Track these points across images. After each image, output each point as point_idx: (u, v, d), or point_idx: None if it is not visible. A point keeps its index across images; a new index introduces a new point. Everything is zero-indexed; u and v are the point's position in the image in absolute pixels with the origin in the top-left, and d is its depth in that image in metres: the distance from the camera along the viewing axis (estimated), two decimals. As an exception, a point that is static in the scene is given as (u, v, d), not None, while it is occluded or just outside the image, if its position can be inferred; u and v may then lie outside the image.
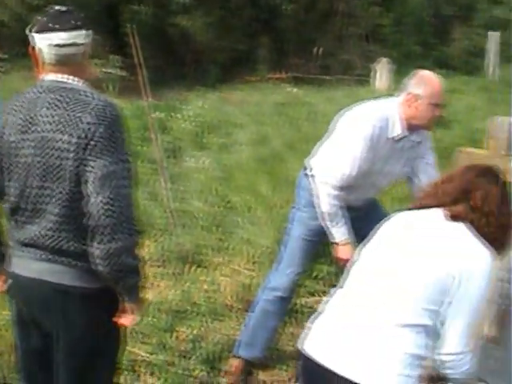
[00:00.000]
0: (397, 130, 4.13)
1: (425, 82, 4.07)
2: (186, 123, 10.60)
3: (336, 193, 4.15)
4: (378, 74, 15.61)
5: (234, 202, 7.37)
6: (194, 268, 6.19)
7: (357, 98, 11.44)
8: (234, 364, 4.66)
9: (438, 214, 2.92)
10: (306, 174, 4.41)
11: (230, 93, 14.95)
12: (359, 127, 4.08)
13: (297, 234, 4.49)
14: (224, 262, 6.21)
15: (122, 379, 4.44)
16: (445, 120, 9.93)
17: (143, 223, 6.74)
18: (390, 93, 12.92)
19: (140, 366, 4.65)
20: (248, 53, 19.02)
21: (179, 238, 6.59)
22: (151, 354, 4.79)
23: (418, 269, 2.78)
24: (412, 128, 4.16)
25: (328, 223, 4.27)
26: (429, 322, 2.72)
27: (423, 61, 15.64)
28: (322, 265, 5.72)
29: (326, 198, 4.17)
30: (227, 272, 6.02)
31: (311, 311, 5.32)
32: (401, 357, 2.66)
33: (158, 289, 5.93)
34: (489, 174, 3.02)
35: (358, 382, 2.65)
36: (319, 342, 2.87)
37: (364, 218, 4.37)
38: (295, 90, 13.87)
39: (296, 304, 5.46)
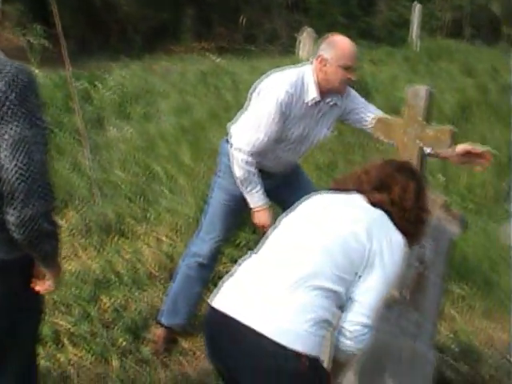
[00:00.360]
0: (311, 94, 4.12)
1: (333, 45, 4.04)
2: (110, 93, 10.46)
3: (250, 159, 4.17)
4: (302, 44, 15.65)
5: (157, 171, 7.33)
6: (117, 238, 6.16)
7: (281, 68, 11.52)
8: (156, 332, 4.68)
9: (358, 197, 3.04)
10: (227, 141, 4.42)
11: (154, 63, 14.80)
12: (273, 93, 4.07)
13: (217, 199, 4.50)
14: (147, 231, 6.19)
15: (45, 351, 4.42)
16: (367, 90, 10.06)
17: (66, 194, 6.71)
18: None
19: (63, 337, 4.62)
20: (173, 22, 18.87)
21: (102, 208, 6.53)
22: (74, 324, 4.76)
23: (335, 238, 2.86)
24: (325, 92, 4.16)
25: (243, 189, 4.29)
26: (340, 290, 2.77)
27: (347, 31, 15.70)
28: (244, 233, 5.75)
29: (239, 164, 4.19)
30: (150, 241, 6.00)
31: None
32: (308, 315, 2.69)
33: (81, 259, 5.89)
34: (406, 169, 3.17)
35: (262, 332, 2.67)
36: (228, 296, 2.88)
37: (288, 186, 4.43)
38: (220, 59, 13.80)
39: (219, 271, 5.48)
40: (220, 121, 7.47)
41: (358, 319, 2.80)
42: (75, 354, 4.48)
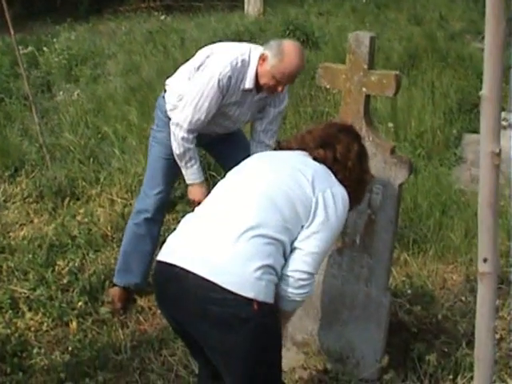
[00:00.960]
0: (249, 83, 4.11)
1: (281, 57, 3.98)
2: (57, 57, 10.32)
3: (187, 135, 4.17)
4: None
5: (107, 132, 7.29)
6: (70, 201, 6.14)
7: (228, 24, 11.45)
8: (112, 293, 4.69)
9: (301, 153, 3.12)
10: (163, 96, 4.43)
11: (100, 24, 14.61)
12: (214, 73, 4.03)
13: (156, 154, 4.50)
14: (99, 193, 6.17)
15: (3, 318, 4.41)
16: (315, 42, 10.06)
17: (17, 160, 6.65)
18: (260, 19, 12.98)
19: (21, 303, 4.61)
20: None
21: (54, 172, 6.49)
22: (31, 290, 4.76)
23: (279, 188, 2.91)
24: (258, 85, 4.15)
25: (180, 163, 4.32)
26: (284, 239, 2.82)
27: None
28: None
29: (177, 140, 4.19)
30: (103, 203, 5.98)
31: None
32: (254, 262, 2.72)
33: (35, 225, 5.87)
34: (350, 131, 3.25)
35: (211, 279, 2.69)
36: (174, 248, 2.90)
37: (224, 140, 4.48)
38: (166, 18, 13.67)
39: (174, 229, 5.48)
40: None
41: (299, 267, 2.87)
42: (33, 319, 4.48)
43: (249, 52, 4.09)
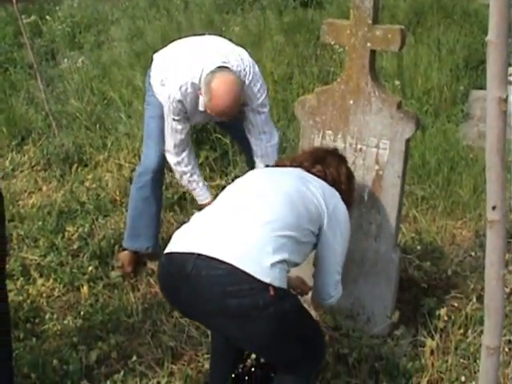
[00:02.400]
0: (201, 107, 4.10)
1: (210, 97, 3.92)
2: (60, 25, 10.25)
3: (179, 158, 4.32)
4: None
5: (113, 98, 7.26)
6: (77, 168, 6.14)
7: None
8: (122, 257, 4.72)
9: (301, 170, 3.28)
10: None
11: (103, -10, 14.48)
12: (168, 98, 4.10)
13: (149, 115, 4.55)
14: (107, 158, 6.17)
15: (15, 285, 4.44)
16: (319, 2, 9.94)
17: (24, 129, 6.65)
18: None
19: (32, 270, 4.63)
20: None
21: (61, 139, 6.49)
22: (42, 256, 4.78)
23: (294, 190, 3.06)
24: None
25: (186, 187, 4.56)
26: (297, 235, 2.93)
27: None
28: (201, 150, 5.75)
29: (173, 168, 4.40)
30: (111, 168, 5.99)
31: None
32: (270, 252, 2.79)
33: (44, 192, 5.88)
34: (336, 154, 3.45)
35: (229, 262, 2.73)
36: (186, 239, 2.95)
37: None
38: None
39: (183, 192, 5.50)
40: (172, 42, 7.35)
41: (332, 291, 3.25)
42: (45, 286, 4.51)
43: (200, 74, 4.02)
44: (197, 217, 3.08)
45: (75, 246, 4.86)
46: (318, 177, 3.24)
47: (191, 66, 4.07)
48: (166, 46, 4.58)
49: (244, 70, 4.10)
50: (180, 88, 4.04)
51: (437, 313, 3.88)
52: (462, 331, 3.83)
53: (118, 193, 5.58)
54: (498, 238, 1.83)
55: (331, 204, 3.10)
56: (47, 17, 10.70)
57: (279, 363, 3.05)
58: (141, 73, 7.47)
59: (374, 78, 3.51)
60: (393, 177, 3.55)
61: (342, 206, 3.16)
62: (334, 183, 3.25)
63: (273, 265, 2.75)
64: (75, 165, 6.18)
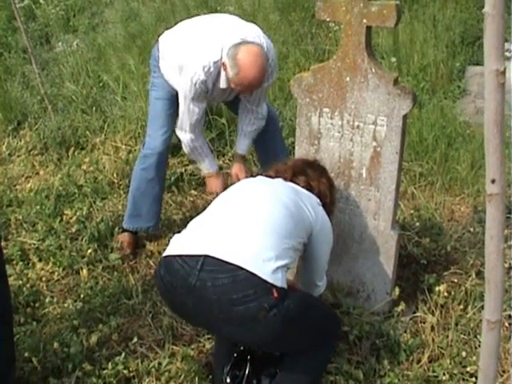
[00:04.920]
0: (223, 84, 4.13)
1: (237, 71, 3.94)
2: (53, 8, 10.17)
3: (192, 136, 4.33)
4: None
5: (108, 80, 7.23)
6: (74, 151, 6.13)
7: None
8: (121, 239, 4.72)
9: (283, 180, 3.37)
10: (158, 49, 4.48)
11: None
12: (191, 80, 4.08)
13: (155, 96, 4.55)
14: (103, 140, 6.15)
15: (14, 270, 4.43)
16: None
17: (20, 113, 6.62)
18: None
19: (31, 255, 4.63)
20: None
21: (57, 123, 6.46)
22: (40, 240, 4.77)
23: (287, 198, 3.15)
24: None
25: (195, 160, 4.59)
26: (294, 242, 3.03)
27: None
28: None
29: (185, 143, 4.39)
30: (107, 150, 5.97)
31: (194, 178, 5.40)
32: (272, 256, 2.86)
33: (41, 176, 5.87)
34: (316, 165, 3.55)
35: (237, 263, 2.80)
36: (187, 242, 3.01)
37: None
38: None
39: (180, 173, 5.50)
40: (168, 23, 7.28)
41: (320, 280, 3.45)
42: (44, 269, 4.50)
43: (220, 53, 4.05)
44: (195, 222, 3.14)
45: (74, 230, 4.86)
46: (303, 187, 3.35)
47: (210, 46, 4.08)
48: (162, 27, 4.59)
49: (262, 44, 4.10)
50: (203, 69, 4.04)
51: (437, 289, 3.89)
52: (462, 307, 3.84)
53: (115, 175, 5.56)
54: (497, 212, 1.82)
55: (318, 214, 3.23)
56: (40, 0, 10.62)
57: (292, 354, 3.11)
58: (137, 54, 7.45)
59: (371, 54, 3.49)
60: (391, 153, 3.54)
61: (325, 215, 3.31)
62: (319, 196, 3.36)
63: (275, 269, 2.81)
64: (72, 148, 6.16)
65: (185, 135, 4.32)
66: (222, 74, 4.08)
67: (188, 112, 4.22)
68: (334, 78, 3.55)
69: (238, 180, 4.30)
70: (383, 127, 3.51)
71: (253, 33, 4.14)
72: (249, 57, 3.92)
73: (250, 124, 4.53)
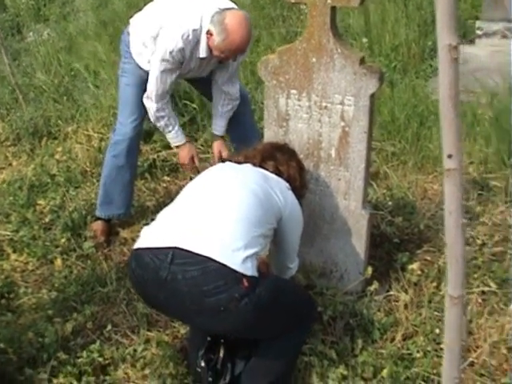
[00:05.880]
0: (202, 53, 4.16)
1: (226, 35, 3.99)
2: (23, -2, 10.11)
3: (159, 105, 4.31)
4: None
5: (79, 69, 7.19)
6: (47, 141, 6.10)
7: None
8: (95, 227, 4.71)
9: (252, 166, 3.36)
10: (128, 33, 4.48)
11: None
12: (167, 48, 4.09)
13: (125, 82, 4.54)
14: (76, 129, 6.12)
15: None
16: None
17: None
18: None
19: (5, 246, 4.62)
20: None
21: (29, 113, 6.42)
22: (14, 231, 4.75)
23: (257, 186, 3.14)
24: (212, 53, 4.18)
25: (162, 130, 4.54)
26: (263, 231, 3.03)
27: None
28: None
29: (151, 113, 4.36)
30: (80, 139, 5.94)
31: (167, 164, 5.39)
32: (241, 243, 2.86)
33: (14, 167, 5.84)
34: (285, 149, 3.54)
35: (207, 255, 2.80)
36: (156, 235, 3.01)
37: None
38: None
39: (153, 160, 5.48)
40: (139, 10, 7.26)
41: (294, 260, 3.48)
42: (18, 260, 4.50)
43: (200, 21, 4.08)
44: (165, 213, 3.13)
45: (47, 220, 4.85)
46: (272, 172, 3.34)
47: (189, 14, 4.11)
48: (133, 13, 4.57)
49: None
50: (182, 36, 4.05)
51: (410, 267, 3.92)
52: (434, 284, 3.86)
53: (88, 164, 5.54)
54: (455, 187, 1.83)
55: (287, 198, 3.23)
56: (11, -10, 10.56)
57: (266, 339, 3.12)
58: (108, 42, 7.41)
59: (336, 34, 3.48)
60: (359, 133, 3.54)
61: (294, 199, 3.31)
62: (288, 180, 3.36)
63: (245, 259, 2.82)
64: (44, 138, 6.14)
65: (151, 104, 4.30)
66: (203, 42, 4.10)
67: (157, 81, 4.21)
68: (300, 59, 3.54)
69: (221, 157, 4.41)
70: (351, 107, 3.51)
71: (229, 2, 4.20)
72: (236, 21, 3.98)
73: (225, 105, 4.55)
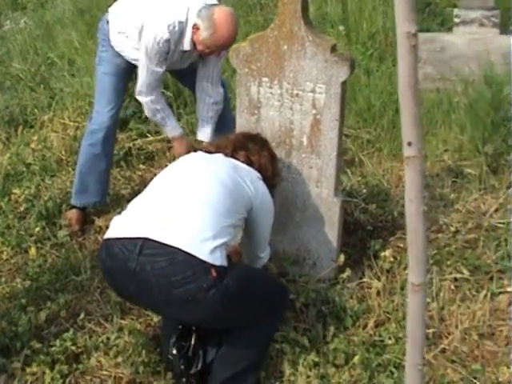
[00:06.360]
0: (186, 46, 4.17)
1: (214, 30, 4.01)
2: (0, -14, 10.04)
3: (152, 97, 4.32)
4: None
5: (56, 57, 7.14)
6: (23, 130, 6.05)
7: None
8: (70, 215, 4.70)
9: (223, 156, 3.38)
10: (107, 22, 4.44)
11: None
12: (154, 39, 4.08)
13: (102, 71, 4.52)
14: (51, 118, 6.07)
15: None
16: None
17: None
18: None
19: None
20: None
21: (5, 102, 6.39)
22: (-13, 221, 4.73)
23: (227, 175, 3.16)
24: (196, 47, 4.18)
25: (158, 124, 4.60)
26: (232, 221, 3.05)
27: None
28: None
29: (145, 106, 4.38)
30: (56, 128, 5.90)
31: (143, 153, 5.38)
32: (210, 236, 2.87)
33: (-11, 156, 5.79)
34: (257, 140, 3.53)
35: (174, 245, 2.82)
36: (125, 225, 3.02)
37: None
38: None
39: (129, 148, 5.47)
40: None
41: (264, 250, 3.50)
42: (-9, 250, 4.46)
43: (186, 13, 4.10)
44: (135, 203, 3.14)
45: (22, 209, 4.83)
46: (243, 162, 3.34)
47: (175, 7, 4.12)
48: (111, 1, 4.56)
49: None
50: (168, 27, 4.06)
51: (382, 254, 3.94)
52: (407, 271, 3.86)
53: (63, 152, 5.52)
54: (415, 174, 1.84)
55: (258, 188, 3.24)
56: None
57: (237, 328, 3.13)
58: (85, 30, 7.37)
59: (307, 22, 3.48)
60: (330, 120, 3.55)
61: (265, 189, 3.31)
62: (259, 170, 3.37)
63: (213, 249, 2.83)
64: (20, 126, 6.08)
65: (144, 98, 4.31)
66: (187, 35, 4.11)
67: (147, 73, 4.21)
68: (272, 47, 3.54)
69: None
70: (322, 95, 3.52)
71: None
72: (224, 17, 4.02)
73: (210, 110, 4.51)
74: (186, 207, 2.96)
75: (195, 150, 3.57)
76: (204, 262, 2.79)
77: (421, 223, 1.89)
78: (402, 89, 1.77)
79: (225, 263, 2.87)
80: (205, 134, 4.52)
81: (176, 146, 4.57)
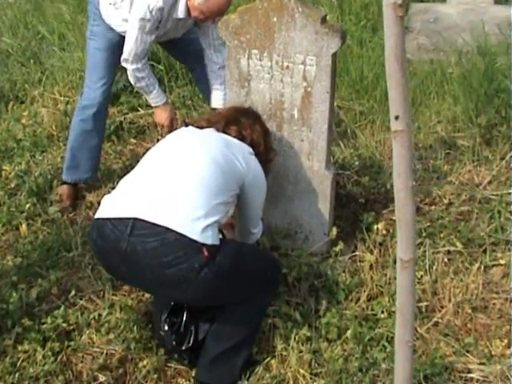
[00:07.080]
0: (181, 13, 4.11)
1: None
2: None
3: (138, 65, 4.23)
4: None
5: (46, 32, 7.07)
6: (13, 105, 6.00)
7: None
8: (61, 191, 4.67)
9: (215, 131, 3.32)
10: None
11: None
12: (147, 7, 4.01)
13: (94, 46, 4.47)
14: (42, 93, 6.02)
15: None
16: None
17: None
18: None
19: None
20: None
21: (-5, 78, 6.34)
22: (-22, 198, 4.70)
23: (218, 152, 3.13)
24: (190, 14, 4.12)
25: (141, 91, 4.52)
26: (229, 200, 3.08)
27: None
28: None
29: (130, 73, 4.29)
30: (46, 103, 5.86)
31: (134, 127, 5.34)
32: (202, 215, 2.85)
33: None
34: (249, 114, 3.50)
35: (165, 225, 2.80)
36: (118, 204, 2.99)
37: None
38: None
39: (120, 122, 5.43)
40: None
41: (256, 224, 3.49)
42: (-18, 228, 4.43)
43: None
44: (126, 181, 3.11)
45: (12, 185, 4.79)
46: (235, 137, 3.31)
47: None
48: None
49: None
50: None
51: (375, 227, 3.92)
52: (400, 243, 3.85)
53: (54, 127, 5.47)
54: (403, 148, 1.80)
55: (250, 164, 3.22)
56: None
57: (231, 304, 3.13)
58: (74, 4, 7.30)
59: (297, -7, 3.43)
60: (321, 93, 3.50)
61: (258, 164, 3.29)
62: (252, 145, 3.33)
63: (205, 228, 2.81)
64: (11, 102, 6.03)
65: (130, 65, 4.24)
66: (182, 2, 4.05)
67: (136, 42, 4.14)
68: (261, 18, 3.49)
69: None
70: (313, 67, 3.48)
71: None
72: None
73: (219, 76, 4.45)
74: (177, 186, 2.93)
75: (186, 125, 3.52)
76: (195, 242, 2.77)
77: (409, 198, 1.86)
78: (388, 61, 1.74)
79: (216, 241, 2.86)
80: (218, 100, 4.48)
81: (157, 114, 4.49)
